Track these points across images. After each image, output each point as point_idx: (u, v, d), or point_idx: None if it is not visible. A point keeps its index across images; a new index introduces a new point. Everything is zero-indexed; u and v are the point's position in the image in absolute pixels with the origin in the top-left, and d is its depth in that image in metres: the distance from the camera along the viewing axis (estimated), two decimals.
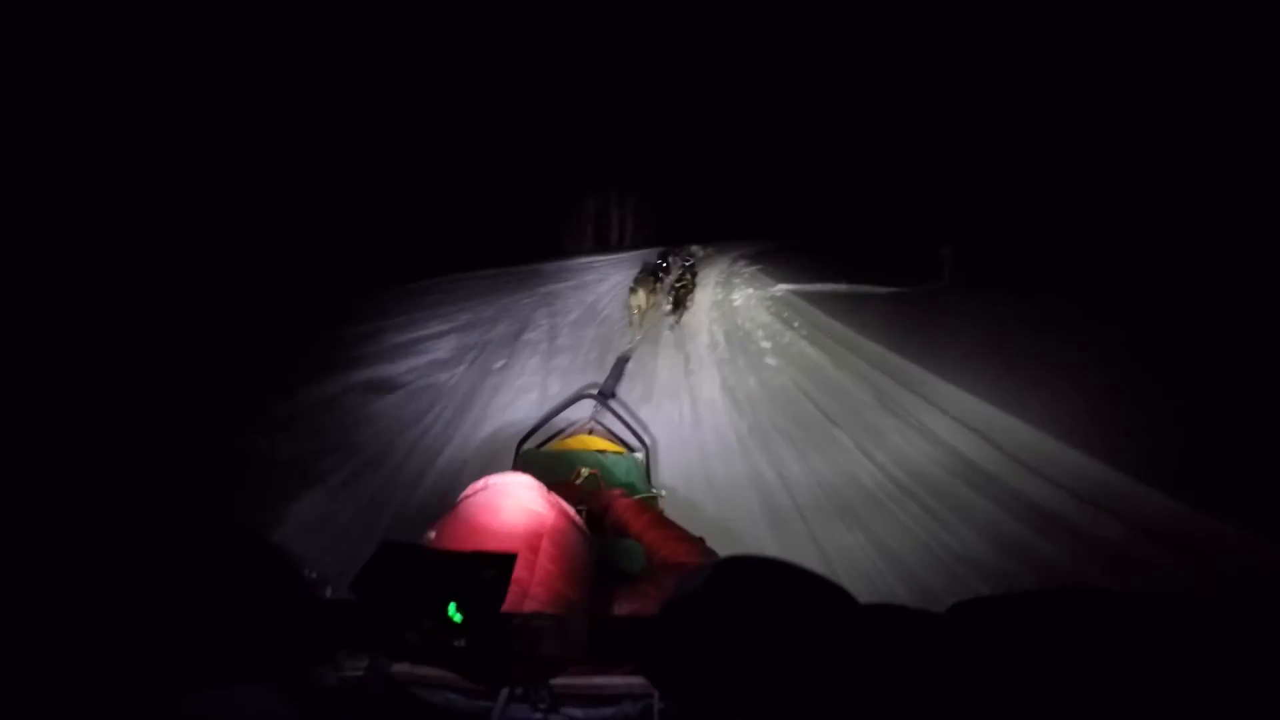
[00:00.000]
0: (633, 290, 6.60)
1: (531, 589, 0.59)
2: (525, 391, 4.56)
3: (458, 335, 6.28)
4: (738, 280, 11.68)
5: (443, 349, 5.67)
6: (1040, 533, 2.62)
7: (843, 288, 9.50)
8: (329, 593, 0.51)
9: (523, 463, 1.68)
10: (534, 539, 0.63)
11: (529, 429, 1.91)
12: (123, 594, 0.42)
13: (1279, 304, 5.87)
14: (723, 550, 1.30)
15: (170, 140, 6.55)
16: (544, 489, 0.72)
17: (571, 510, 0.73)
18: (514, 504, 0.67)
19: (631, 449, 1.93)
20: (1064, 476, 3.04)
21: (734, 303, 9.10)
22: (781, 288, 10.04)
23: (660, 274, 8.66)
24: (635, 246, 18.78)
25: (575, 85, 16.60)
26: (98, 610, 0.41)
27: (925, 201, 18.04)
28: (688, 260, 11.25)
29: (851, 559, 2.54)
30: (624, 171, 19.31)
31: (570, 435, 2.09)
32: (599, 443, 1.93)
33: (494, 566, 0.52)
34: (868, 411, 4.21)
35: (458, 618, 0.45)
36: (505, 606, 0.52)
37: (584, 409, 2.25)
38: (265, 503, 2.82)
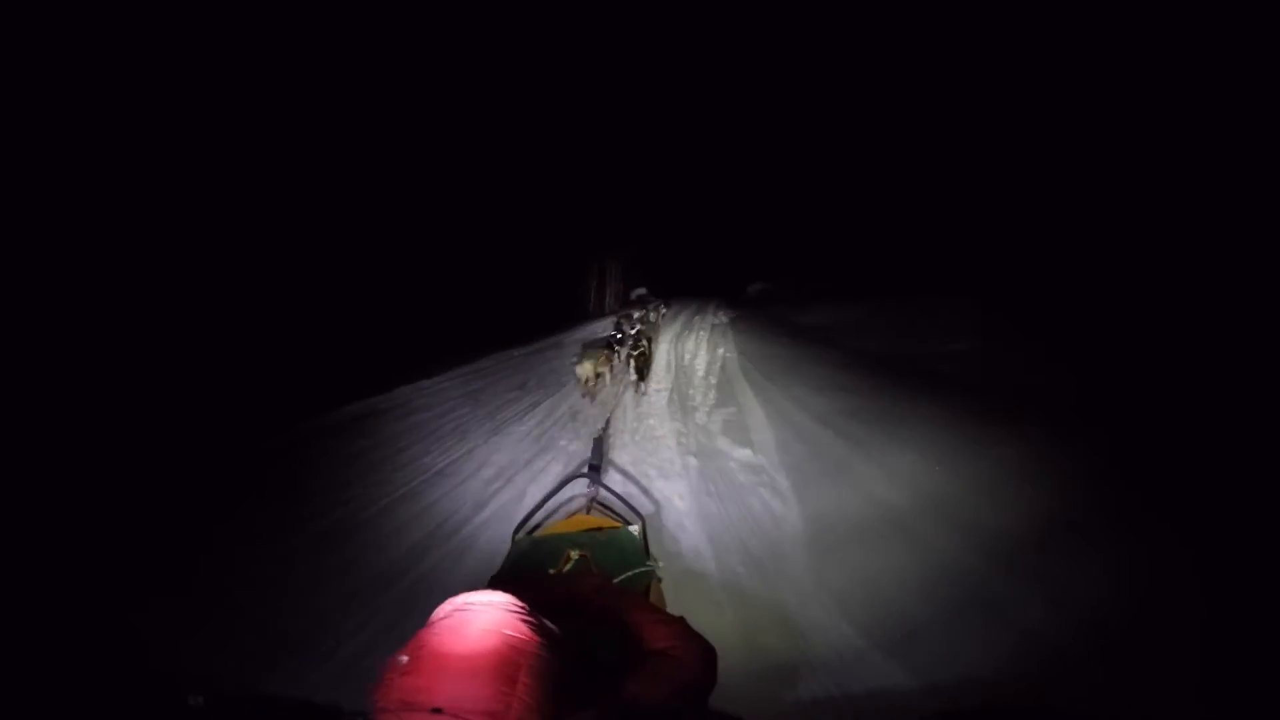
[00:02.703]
0: (577, 363, 6.67)
1: None
2: (519, 472, 4.60)
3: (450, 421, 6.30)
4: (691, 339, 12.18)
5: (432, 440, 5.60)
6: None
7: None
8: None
9: (515, 551, 1.73)
10: (510, 669, 0.65)
11: (524, 516, 2.00)
12: None
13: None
14: (722, 614, 1.85)
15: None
16: (524, 609, 0.73)
17: (552, 627, 0.74)
18: (488, 629, 0.68)
19: (628, 521, 1.98)
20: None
21: (687, 359, 9.67)
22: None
23: (615, 343, 8.43)
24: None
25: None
26: None
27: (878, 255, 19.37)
28: (636, 327, 10.98)
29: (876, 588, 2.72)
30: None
31: (567, 516, 2.13)
32: (595, 521, 1.99)
33: None
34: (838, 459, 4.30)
35: None
36: None
37: (582, 486, 2.34)
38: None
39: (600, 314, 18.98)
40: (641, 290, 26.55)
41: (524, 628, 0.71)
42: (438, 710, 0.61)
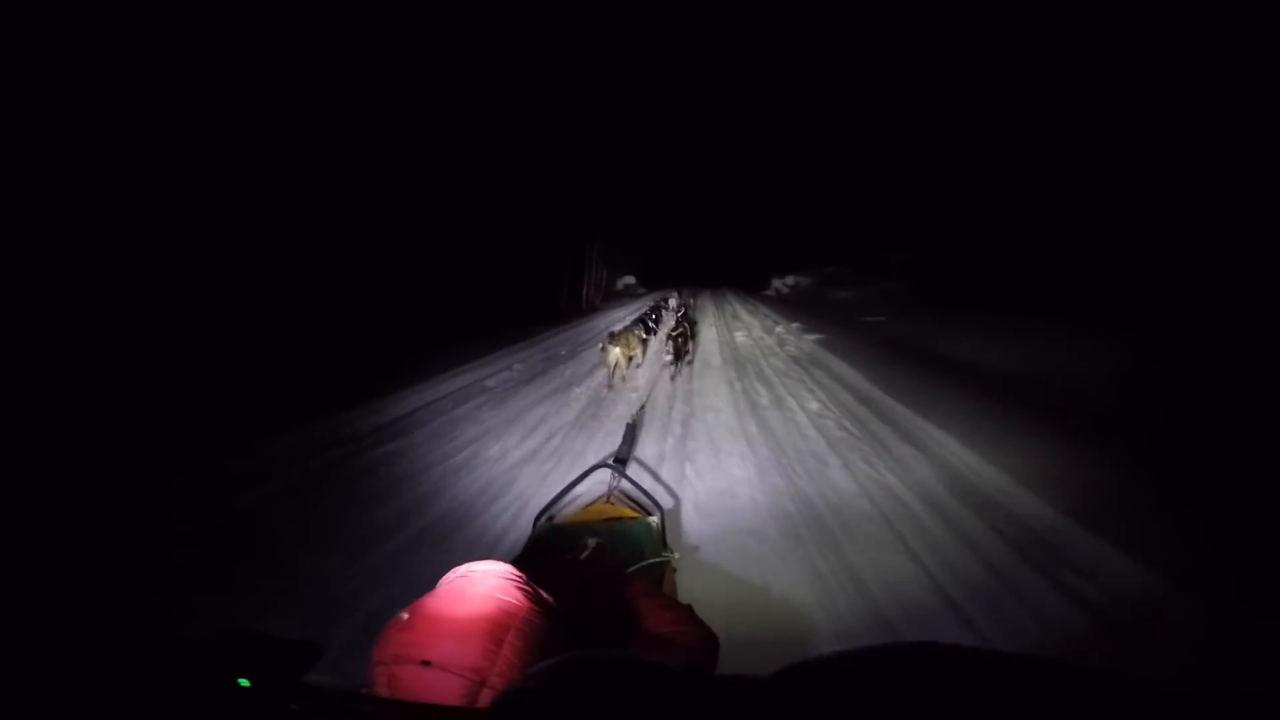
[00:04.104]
0: (603, 348, 6.37)
1: (490, 679, 0.64)
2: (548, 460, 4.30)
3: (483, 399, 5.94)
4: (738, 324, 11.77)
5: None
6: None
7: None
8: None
9: (536, 536, 1.77)
10: (499, 630, 0.67)
11: (548, 503, 2.11)
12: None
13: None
14: (729, 603, 2.36)
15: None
16: (521, 578, 0.76)
17: (548, 597, 0.77)
18: (485, 593, 0.71)
19: (648, 513, 1.99)
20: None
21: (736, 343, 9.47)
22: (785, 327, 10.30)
23: (650, 324, 8.77)
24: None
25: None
26: None
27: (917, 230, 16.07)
28: (680, 309, 11.33)
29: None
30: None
31: (589, 505, 2.17)
32: (615, 510, 2.02)
33: (288, 654, 0.59)
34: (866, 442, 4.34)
35: (245, 683, 0.53)
36: (459, 692, 0.64)
37: (605, 476, 2.43)
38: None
39: (577, 312, 15.56)
40: (629, 279, 21.80)
41: (518, 594, 0.73)
42: (426, 664, 0.65)
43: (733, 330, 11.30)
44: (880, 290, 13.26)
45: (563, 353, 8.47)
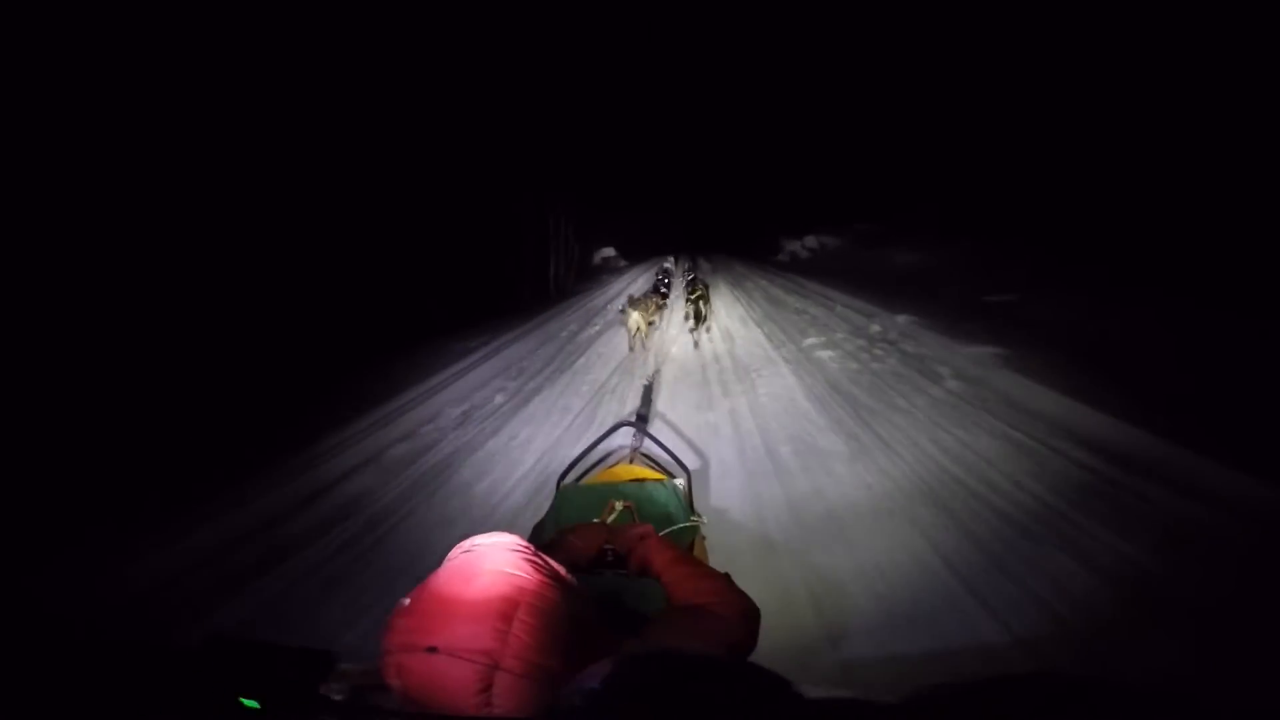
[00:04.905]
0: (624, 312, 6.37)
1: (504, 661, 0.59)
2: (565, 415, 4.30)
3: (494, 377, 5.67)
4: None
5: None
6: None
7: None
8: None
9: (560, 499, 1.68)
10: (508, 607, 0.61)
11: (569, 464, 1.99)
12: None
13: None
14: (758, 571, 2.13)
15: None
16: (530, 549, 0.69)
17: (560, 569, 0.70)
18: (491, 569, 0.65)
19: (673, 475, 1.89)
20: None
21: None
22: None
23: (663, 289, 8.68)
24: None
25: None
26: None
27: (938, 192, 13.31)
28: (689, 272, 10.93)
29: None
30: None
31: (612, 465, 2.12)
32: (640, 471, 1.94)
33: (299, 666, 0.57)
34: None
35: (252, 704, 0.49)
36: (473, 678, 0.58)
37: (627, 436, 2.33)
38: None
39: (545, 299, 12.17)
40: (609, 251, 18.14)
41: (527, 567, 0.66)
42: (433, 649, 0.59)
43: (799, 337, 6.49)
44: (955, 252, 9.64)
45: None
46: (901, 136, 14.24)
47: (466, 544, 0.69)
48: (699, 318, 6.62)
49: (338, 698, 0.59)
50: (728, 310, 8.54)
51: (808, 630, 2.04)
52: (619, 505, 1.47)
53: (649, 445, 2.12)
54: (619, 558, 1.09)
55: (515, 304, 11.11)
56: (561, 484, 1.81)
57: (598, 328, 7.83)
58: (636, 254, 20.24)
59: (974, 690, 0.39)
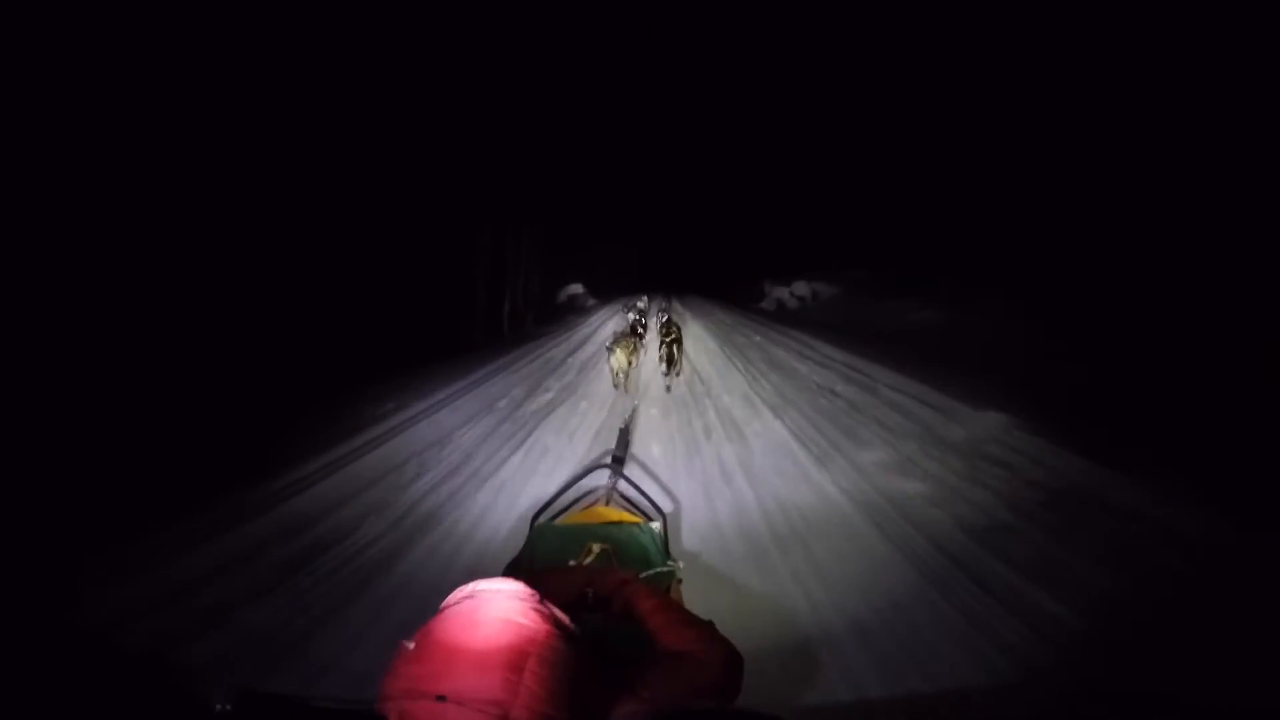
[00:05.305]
0: (610, 350, 6.39)
1: (513, 711, 0.58)
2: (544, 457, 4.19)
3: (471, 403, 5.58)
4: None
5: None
6: None
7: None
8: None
9: (536, 538, 1.66)
10: (518, 658, 0.61)
11: (544, 502, 1.95)
12: None
13: None
14: (737, 615, 1.52)
15: None
16: (535, 596, 0.69)
17: (564, 617, 0.69)
18: (497, 617, 0.64)
19: (649, 517, 1.85)
20: None
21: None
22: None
23: (639, 329, 8.66)
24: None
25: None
26: None
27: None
28: (662, 314, 10.53)
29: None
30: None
31: (587, 506, 2.08)
32: (615, 514, 1.90)
33: None
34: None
35: None
36: None
37: (602, 477, 2.32)
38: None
39: (499, 341, 10.75)
40: (577, 288, 16.28)
41: (534, 616, 0.66)
42: (441, 698, 0.58)
43: (846, 443, 4.23)
44: (976, 310, 8.12)
45: None
46: (896, 170, 13.15)
47: (468, 589, 0.68)
48: (670, 361, 6.61)
49: None
50: (723, 379, 6.58)
51: None
52: (596, 548, 1.48)
53: (624, 487, 2.11)
54: (600, 602, 1.05)
55: (453, 347, 9.10)
56: (536, 522, 1.78)
57: (550, 394, 5.90)
58: (606, 292, 18.58)
59: None
